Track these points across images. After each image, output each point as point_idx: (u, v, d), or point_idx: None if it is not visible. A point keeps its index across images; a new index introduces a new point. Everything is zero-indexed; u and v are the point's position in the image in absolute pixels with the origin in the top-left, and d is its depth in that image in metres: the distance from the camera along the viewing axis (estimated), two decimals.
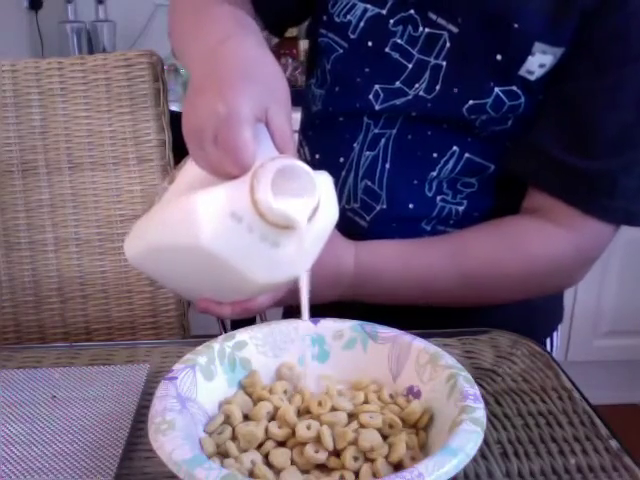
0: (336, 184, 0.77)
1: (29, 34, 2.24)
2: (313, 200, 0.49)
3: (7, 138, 0.95)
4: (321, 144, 0.80)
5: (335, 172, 0.76)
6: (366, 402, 0.51)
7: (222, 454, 0.46)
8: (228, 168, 0.48)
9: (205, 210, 0.48)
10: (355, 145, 0.75)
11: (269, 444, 0.46)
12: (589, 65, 0.66)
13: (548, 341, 0.86)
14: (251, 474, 0.44)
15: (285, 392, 0.52)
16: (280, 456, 0.45)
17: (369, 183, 0.75)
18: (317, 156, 0.80)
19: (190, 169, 0.52)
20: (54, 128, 0.96)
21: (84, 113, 0.96)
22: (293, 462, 0.45)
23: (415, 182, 0.74)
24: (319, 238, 0.53)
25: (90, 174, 0.97)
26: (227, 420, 0.49)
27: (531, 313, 0.82)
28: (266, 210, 0.47)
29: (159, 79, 0.95)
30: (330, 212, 0.53)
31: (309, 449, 0.45)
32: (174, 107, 1.23)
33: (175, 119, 1.03)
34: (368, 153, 0.75)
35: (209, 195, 0.48)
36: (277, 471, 0.44)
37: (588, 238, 0.70)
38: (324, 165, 0.78)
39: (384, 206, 0.75)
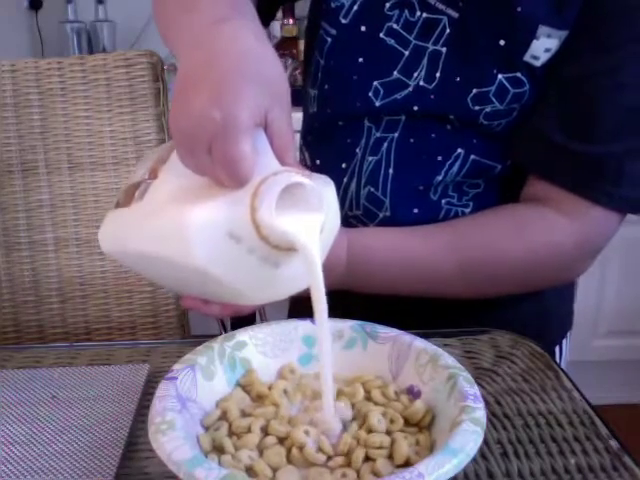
0: (338, 191, 0.75)
1: (29, 34, 2.24)
2: (319, 219, 0.45)
3: (7, 138, 0.95)
4: (322, 150, 0.79)
5: (337, 178, 0.74)
6: (368, 399, 0.51)
7: (219, 449, 0.46)
8: (224, 181, 0.44)
9: (200, 228, 0.43)
10: (357, 150, 0.74)
11: (268, 440, 0.46)
12: (591, 47, 0.65)
13: (557, 349, 0.85)
14: (249, 470, 0.44)
15: (285, 391, 0.52)
16: (275, 456, 0.45)
17: (372, 189, 0.73)
18: (318, 162, 0.78)
19: (177, 166, 0.48)
20: (54, 128, 0.96)
21: (84, 113, 0.96)
22: (291, 460, 0.45)
23: (420, 188, 0.72)
24: (322, 253, 0.49)
25: (90, 174, 0.97)
26: (224, 416, 0.49)
27: (542, 319, 0.81)
28: (269, 233, 0.43)
29: (159, 79, 0.96)
30: (333, 223, 0.50)
31: (310, 449, 0.45)
32: None
33: None
34: (371, 158, 0.73)
35: (204, 211, 0.44)
36: (273, 469, 0.44)
37: (592, 227, 0.68)
38: (325, 171, 0.77)
39: (387, 213, 0.73)
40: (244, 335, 0.54)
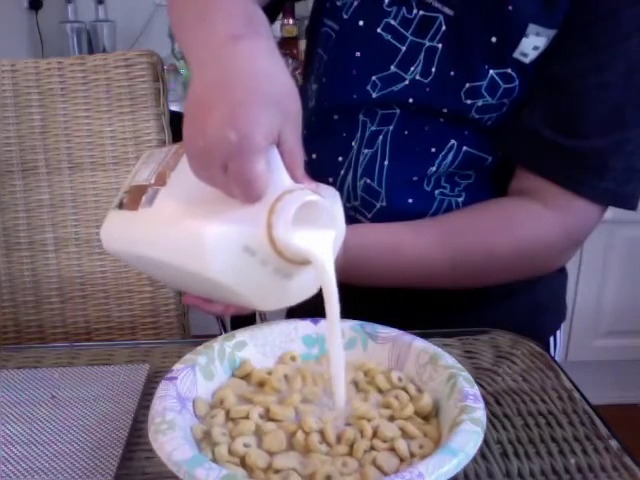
0: (335, 183, 0.77)
1: (29, 34, 2.24)
2: (331, 234, 0.48)
3: (7, 138, 0.95)
4: (318, 144, 0.80)
5: (334, 171, 0.77)
6: (370, 382, 0.52)
7: (214, 438, 0.46)
8: (238, 197, 0.46)
9: (217, 242, 0.45)
10: (353, 144, 0.75)
11: (267, 425, 0.46)
12: (579, 45, 0.67)
13: (552, 340, 0.87)
14: (242, 461, 0.44)
15: (285, 376, 0.52)
16: (274, 440, 0.45)
17: (368, 181, 0.75)
18: (314, 156, 0.80)
19: (187, 175, 0.49)
20: (54, 128, 0.96)
21: (84, 113, 0.96)
22: (292, 445, 0.45)
23: (415, 179, 0.74)
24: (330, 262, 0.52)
25: (90, 174, 0.97)
26: (220, 404, 0.49)
27: (536, 311, 0.83)
28: (284, 248, 0.45)
29: (159, 79, 0.96)
30: (340, 233, 0.52)
31: (314, 437, 0.45)
32: (174, 107, 1.23)
33: (175, 119, 1.03)
34: (366, 151, 0.75)
35: (222, 226, 0.46)
36: (272, 454, 0.44)
37: (576, 219, 0.71)
38: (322, 164, 0.78)
39: (384, 203, 0.75)
40: (244, 335, 0.54)
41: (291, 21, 2.04)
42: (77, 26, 2.15)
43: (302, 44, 2.06)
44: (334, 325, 0.48)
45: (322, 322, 0.56)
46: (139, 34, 2.22)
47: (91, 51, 2.15)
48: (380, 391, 0.51)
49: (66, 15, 2.17)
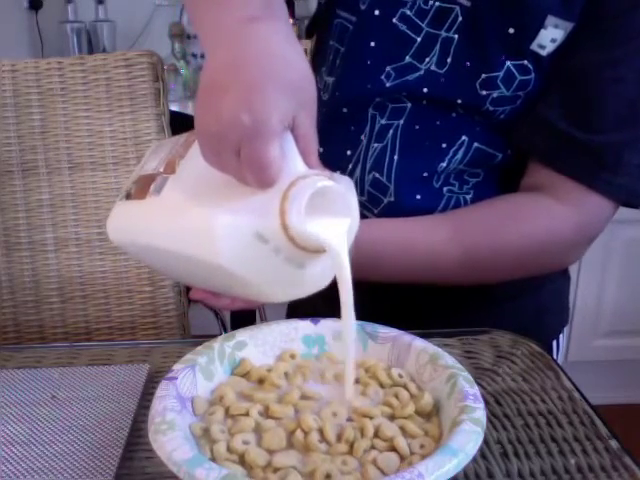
0: None
1: (29, 34, 2.24)
2: (346, 222, 0.47)
3: (7, 138, 0.95)
4: (326, 137, 0.80)
5: (342, 165, 0.76)
6: (372, 377, 0.52)
7: (212, 436, 0.46)
8: (250, 183, 0.45)
9: (228, 229, 0.44)
10: (362, 137, 0.75)
11: (267, 423, 0.46)
12: (596, 38, 0.66)
13: (554, 343, 0.86)
14: (241, 459, 0.44)
15: (286, 374, 0.52)
16: (274, 437, 0.45)
17: (377, 175, 0.74)
18: (321, 149, 0.80)
19: (197, 162, 0.48)
20: (54, 128, 0.96)
21: (84, 113, 0.96)
22: (291, 443, 0.45)
23: (425, 174, 0.73)
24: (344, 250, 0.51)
25: (90, 174, 0.97)
26: (220, 401, 0.49)
27: (540, 313, 0.82)
28: (297, 235, 0.44)
29: (159, 79, 0.96)
30: (355, 224, 0.50)
31: (314, 436, 0.45)
32: (174, 107, 1.23)
33: (175, 119, 1.03)
34: (376, 145, 0.74)
35: (233, 213, 0.44)
36: (271, 452, 0.44)
37: (589, 215, 0.70)
38: (330, 158, 0.78)
39: (392, 199, 0.74)
40: (244, 335, 0.54)
41: (291, 21, 2.04)
42: (77, 26, 2.15)
43: (302, 44, 2.06)
44: (348, 308, 0.47)
45: (322, 322, 0.56)
46: (139, 34, 2.22)
47: (91, 51, 2.16)
48: (381, 385, 0.51)
49: (66, 15, 2.17)
